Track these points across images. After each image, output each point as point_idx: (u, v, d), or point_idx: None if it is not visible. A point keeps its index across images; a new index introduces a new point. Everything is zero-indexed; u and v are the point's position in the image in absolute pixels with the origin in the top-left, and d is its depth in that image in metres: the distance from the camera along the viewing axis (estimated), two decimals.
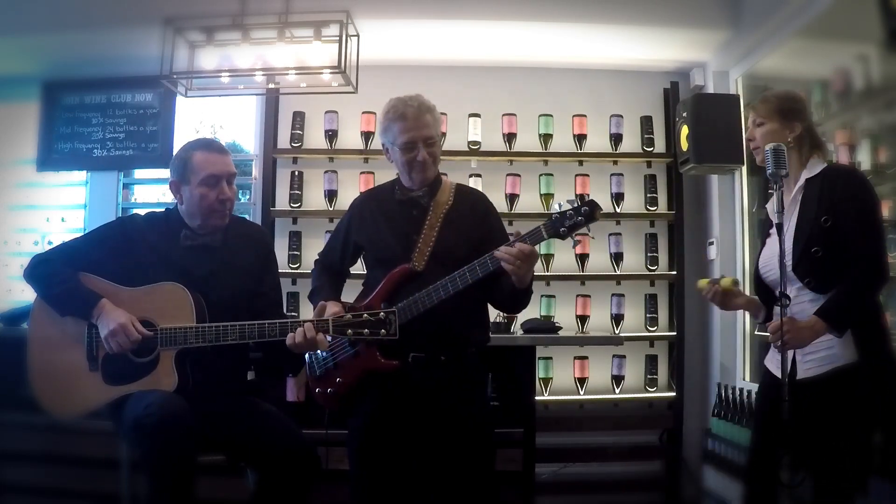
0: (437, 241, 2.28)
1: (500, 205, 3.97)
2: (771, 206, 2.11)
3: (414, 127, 2.26)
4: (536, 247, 2.14)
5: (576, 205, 2.14)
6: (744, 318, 3.80)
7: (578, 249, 3.92)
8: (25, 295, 3.11)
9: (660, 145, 4.15)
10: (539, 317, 3.82)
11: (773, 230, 2.10)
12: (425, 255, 2.26)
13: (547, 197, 4.00)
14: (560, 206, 2.15)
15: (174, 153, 2.43)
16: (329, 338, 2.18)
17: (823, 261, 2.00)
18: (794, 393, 1.97)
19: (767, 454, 2.11)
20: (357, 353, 2.26)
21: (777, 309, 2.00)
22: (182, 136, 4.08)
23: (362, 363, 2.25)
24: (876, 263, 1.98)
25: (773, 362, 2.17)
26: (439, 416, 2.24)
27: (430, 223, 2.30)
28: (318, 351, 2.29)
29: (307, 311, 3.78)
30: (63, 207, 4.25)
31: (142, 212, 2.57)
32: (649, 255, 4.04)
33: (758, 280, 2.25)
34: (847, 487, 1.96)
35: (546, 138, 4.05)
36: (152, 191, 4.44)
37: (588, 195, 3.93)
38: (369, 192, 2.62)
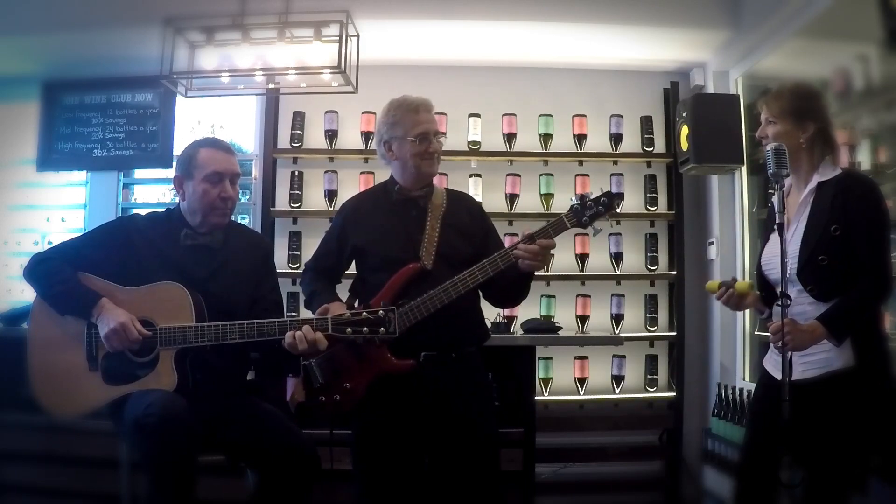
0: (441, 240, 2.29)
1: (500, 205, 3.97)
2: (776, 203, 2.11)
3: (428, 120, 2.33)
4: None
5: (594, 195, 2.22)
6: (744, 319, 3.79)
7: (578, 249, 3.95)
8: (25, 295, 3.12)
9: (660, 145, 4.15)
10: (539, 317, 3.82)
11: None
12: (432, 254, 2.27)
13: (547, 197, 4.00)
14: (573, 199, 2.23)
15: (177, 152, 2.43)
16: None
17: (828, 269, 1.99)
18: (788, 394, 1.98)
19: (760, 453, 2.11)
20: (363, 357, 2.22)
21: (777, 308, 1.99)
22: (182, 136, 4.07)
23: (374, 366, 2.21)
24: (882, 277, 1.97)
25: (770, 363, 2.17)
26: (451, 415, 2.23)
27: (431, 224, 2.32)
28: (311, 361, 2.25)
29: (306, 314, 3.79)
30: (63, 207, 4.24)
31: (142, 212, 2.57)
32: (649, 255, 4.04)
33: (761, 276, 2.24)
34: (842, 489, 1.96)
35: (546, 138, 4.05)
36: (152, 191, 4.43)
37: (591, 193, 3.97)
38: (359, 195, 2.61)
